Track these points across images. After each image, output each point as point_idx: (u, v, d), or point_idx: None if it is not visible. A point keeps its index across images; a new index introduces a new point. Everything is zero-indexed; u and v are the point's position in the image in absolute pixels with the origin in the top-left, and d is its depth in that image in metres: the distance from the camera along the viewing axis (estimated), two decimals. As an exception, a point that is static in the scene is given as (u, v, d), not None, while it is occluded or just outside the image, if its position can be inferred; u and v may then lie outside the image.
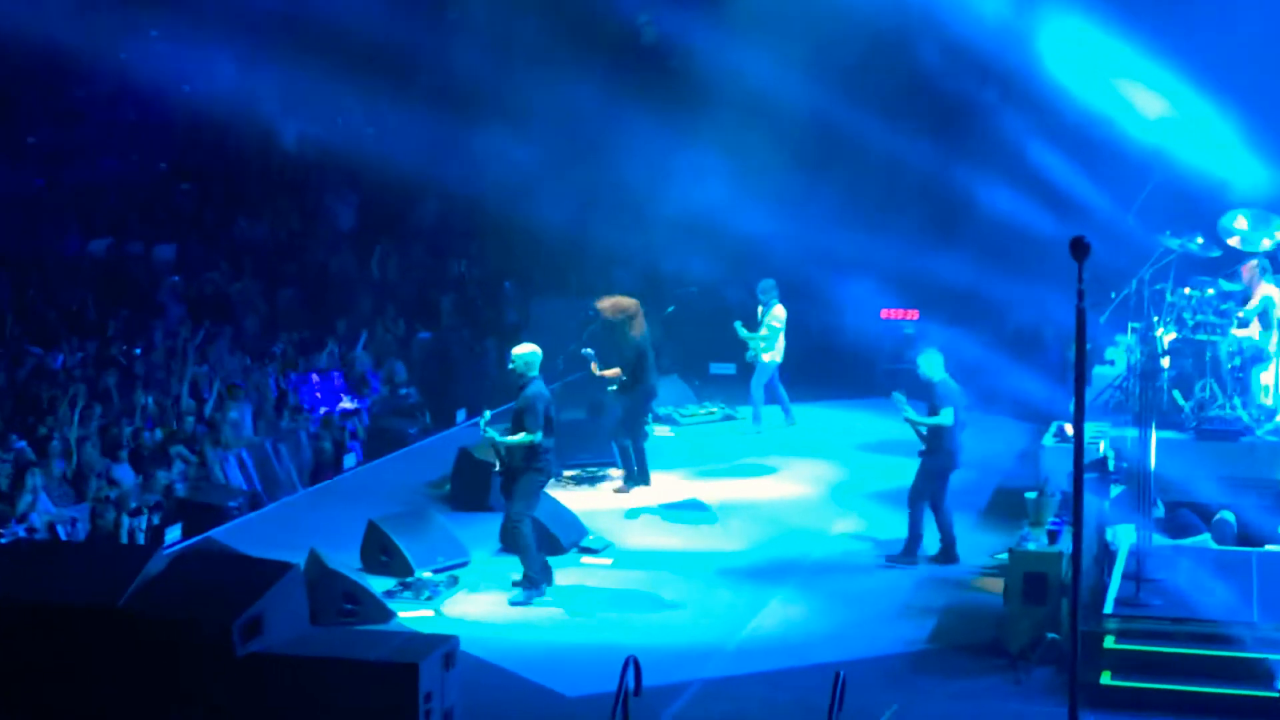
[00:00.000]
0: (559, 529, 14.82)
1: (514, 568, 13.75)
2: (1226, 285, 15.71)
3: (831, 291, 23.09)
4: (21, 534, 14.11)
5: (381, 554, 14.19)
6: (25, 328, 21.13)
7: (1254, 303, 15.29)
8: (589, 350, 17.18)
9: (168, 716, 10.19)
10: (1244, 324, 15.18)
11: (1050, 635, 12.08)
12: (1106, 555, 13.05)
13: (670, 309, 21.93)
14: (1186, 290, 15.63)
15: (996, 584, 13.23)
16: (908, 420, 14.55)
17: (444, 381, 21.77)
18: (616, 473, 17.32)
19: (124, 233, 25.03)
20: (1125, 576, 12.55)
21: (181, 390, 18.79)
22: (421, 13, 25.12)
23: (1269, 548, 13.66)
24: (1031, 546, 12.61)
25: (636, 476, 17.01)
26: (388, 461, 18.48)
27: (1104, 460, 13.83)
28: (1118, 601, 12.24)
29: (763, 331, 19.36)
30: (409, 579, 13.81)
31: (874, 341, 23.00)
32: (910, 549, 14.55)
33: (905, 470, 15.04)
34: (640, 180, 24.08)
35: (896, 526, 14.85)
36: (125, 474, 16.24)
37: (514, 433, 13.54)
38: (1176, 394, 15.07)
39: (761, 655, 12.54)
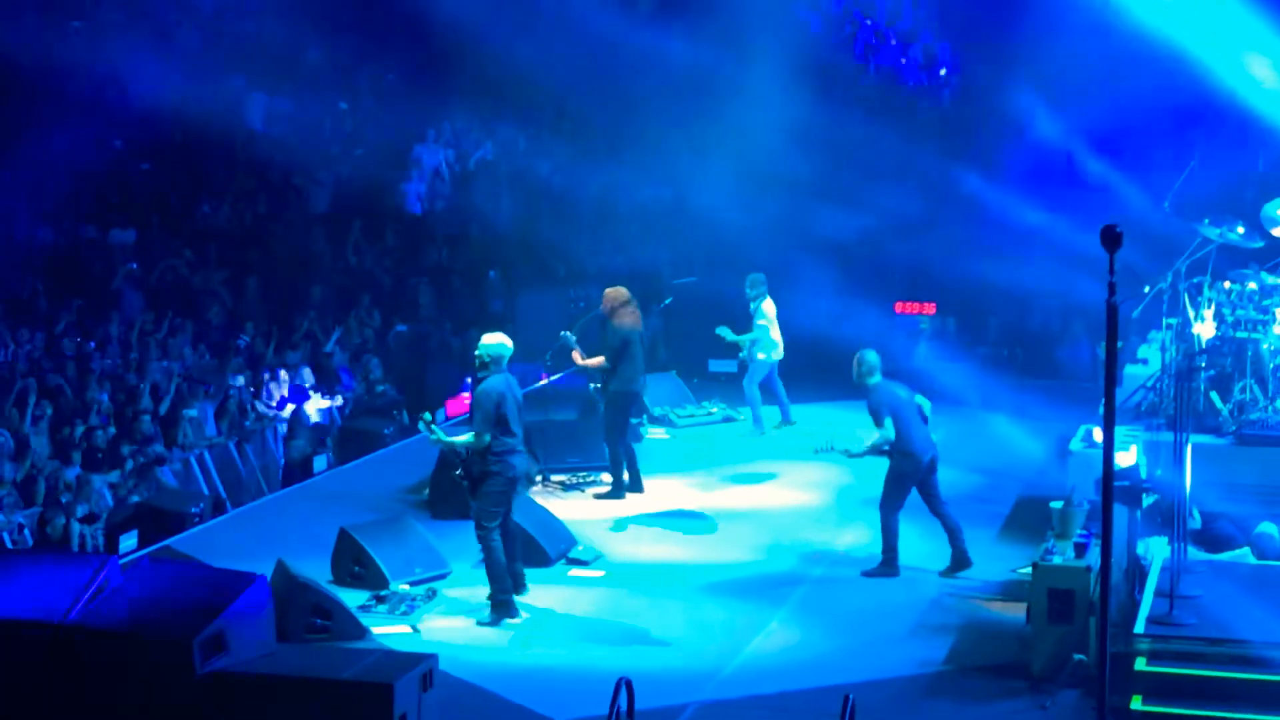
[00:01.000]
0: (546, 539, 14.78)
1: (495, 580, 13.71)
2: (1269, 278, 15.68)
3: (839, 284, 23.16)
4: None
5: (354, 565, 14.14)
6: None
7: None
8: (569, 334, 17.14)
9: (121, 740, 10.14)
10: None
11: (1077, 656, 12.04)
12: (1138, 570, 13.03)
13: (668, 301, 21.92)
14: (1226, 284, 15.61)
15: (1019, 601, 13.18)
16: (847, 454, 14.76)
17: (422, 378, 21.75)
18: (608, 478, 17.29)
19: (77, 216, 24.97)
20: (1158, 593, 12.51)
21: (143, 386, 18.73)
22: None
23: (1313, 563, 13.65)
24: (1057, 560, 12.56)
25: (627, 482, 16.96)
26: (361, 464, 18.44)
27: (1136, 468, 13.79)
28: (1150, 620, 12.21)
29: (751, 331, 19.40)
30: (384, 592, 13.77)
31: (884, 337, 23.04)
32: (888, 559, 14.55)
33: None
34: (632, 164, 24.20)
35: (906, 536, 14.80)
36: (78, 476, 16.20)
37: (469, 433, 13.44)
38: (1214, 396, 15.05)
39: (762, 677, 12.47)
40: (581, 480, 17.39)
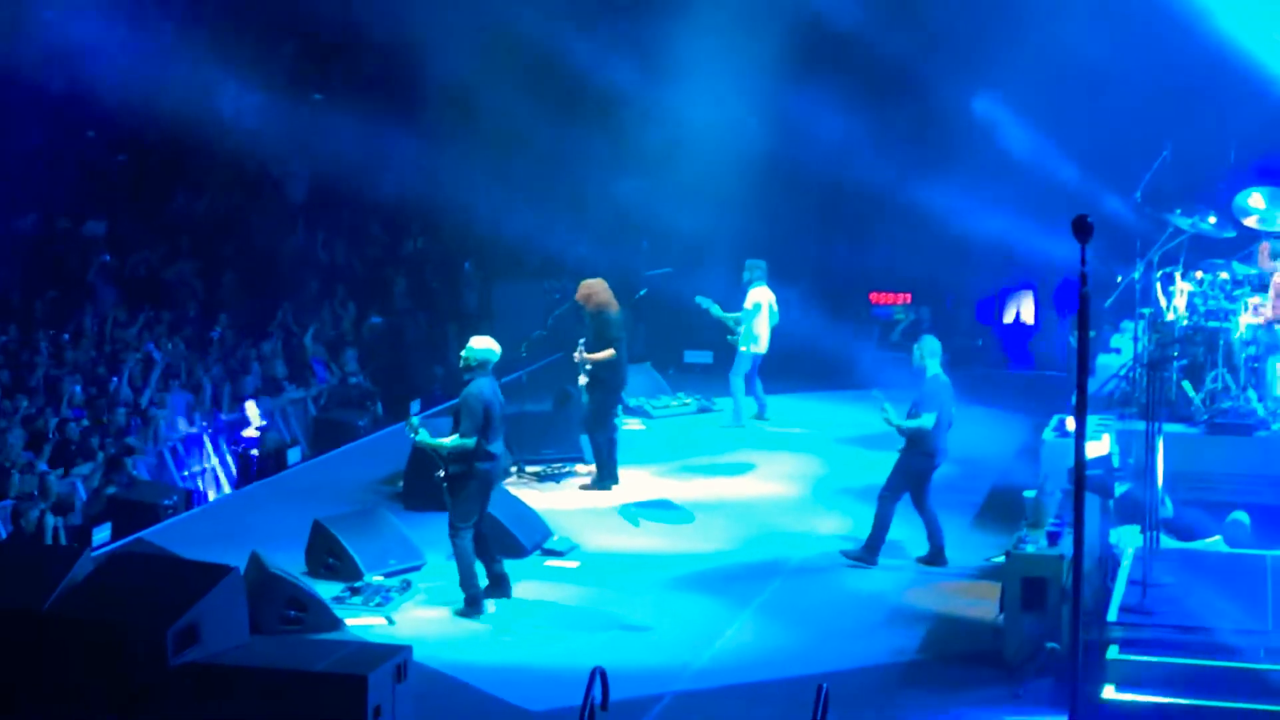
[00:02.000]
0: (521, 530, 14.78)
1: (470, 571, 13.71)
2: (1241, 269, 15.75)
3: (812, 274, 23.22)
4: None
5: (328, 556, 14.13)
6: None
7: (1273, 291, 15.31)
8: (542, 332, 17.08)
9: (95, 731, 10.14)
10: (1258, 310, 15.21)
11: (1050, 645, 12.07)
12: (1110, 558, 13.08)
13: (642, 292, 21.91)
14: (1198, 274, 15.67)
15: (992, 589, 13.22)
16: (887, 421, 14.51)
17: (397, 369, 21.73)
18: (584, 469, 17.29)
19: (51, 208, 24.89)
20: (1130, 582, 12.55)
21: (120, 379, 18.69)
22: None
23: (1286, 550, 13.70)
24: (1030, 549, 12.58)
25: (606, 473, 16.96)
26: (335, 456, 18.43)
27: (1108, 456, 13.84)
28: (1122, 609, 12.24)
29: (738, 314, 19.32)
30: (358, 584, 13.76)
31: (860, 328, 23.12)
32: (872, 546, 14.54)
33: (892, 465, 15.02)
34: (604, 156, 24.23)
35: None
36: (49, 468, 16.16)
37: (452, 434, 13.42)
38: (1186, 385, 15.13)
39: (738, 668, 12.50)
40: (556, 471, 17.39)
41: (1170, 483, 13.95)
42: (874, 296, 24.08)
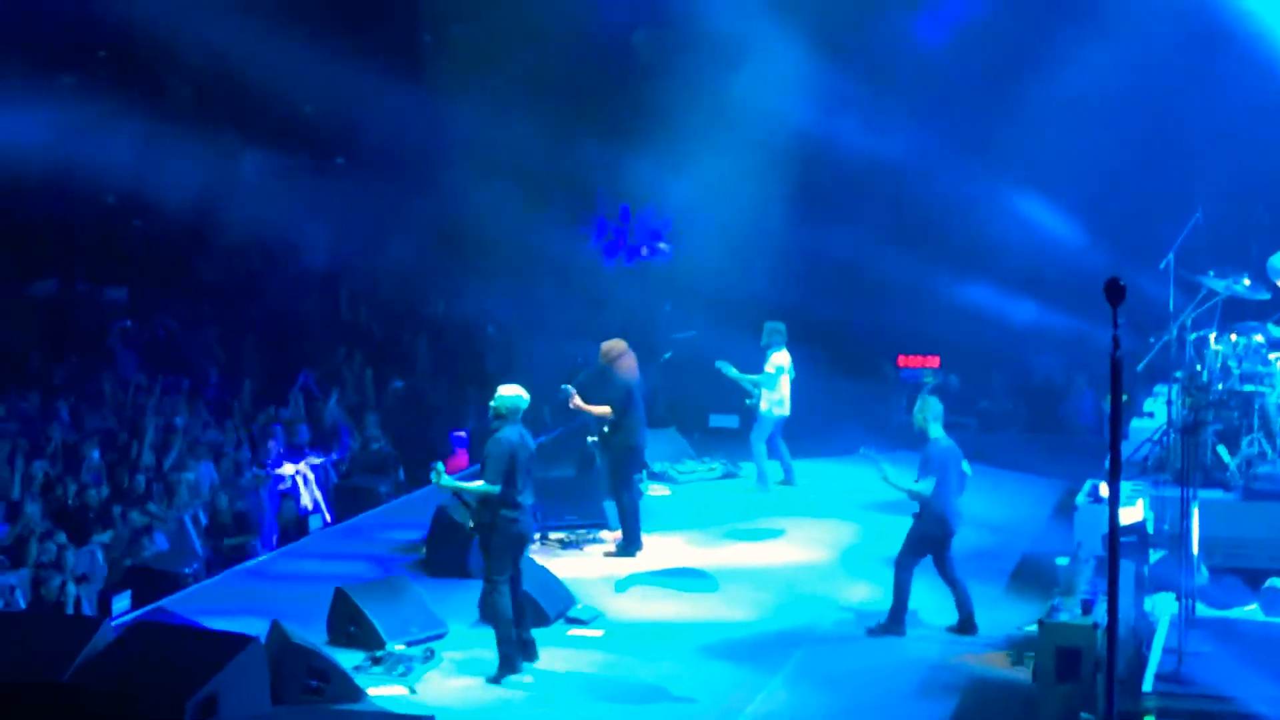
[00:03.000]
0: (545, 599, 14.75)
1: (493, 640, 13.65)
2: (1276, 331, 15.71)
3: (839, 336, 23.23)
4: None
5: (350, 625, 14.10)
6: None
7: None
8: (568, 387, 17.15)
9: (114, 804, 10.12)
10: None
11: (1084, 716, 12.01)
12: (1145, 627, 13.01)
13: (667, 355, 21.93)
14: (1233, 336, 15.62)
15: (1025, 660, 13.16)
16: (885, 480, 14.49)
17: (419, 434, 21.74)
18: (608, 535, 17.27)
19: (70, 273, 25.03)
20: (1166, 650, 12.51)
21: (142, 446, 18.72)
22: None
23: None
24: (1063, 617, 12.53)
25: (630, 538, 16.94)
26: (357, 522, 18.43)
27: (1142, 523, 13.79)
28: (1158, 678, 12.20)
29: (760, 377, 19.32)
30: (380, 653, 13.73)
31: (888, 392, 23.08)
32: (895, 616, 14.49)
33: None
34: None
35: (914, 592, 14.74)
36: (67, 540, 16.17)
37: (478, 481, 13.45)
38: (1222, 450, 15.06)
39: (766, 739, 12.47)
40: (580, 538, 17.37)
41: (1205, 549, 13.89)
42: (902, 360, 24.04)
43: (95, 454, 18.29)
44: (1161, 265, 15.74)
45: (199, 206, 25.66)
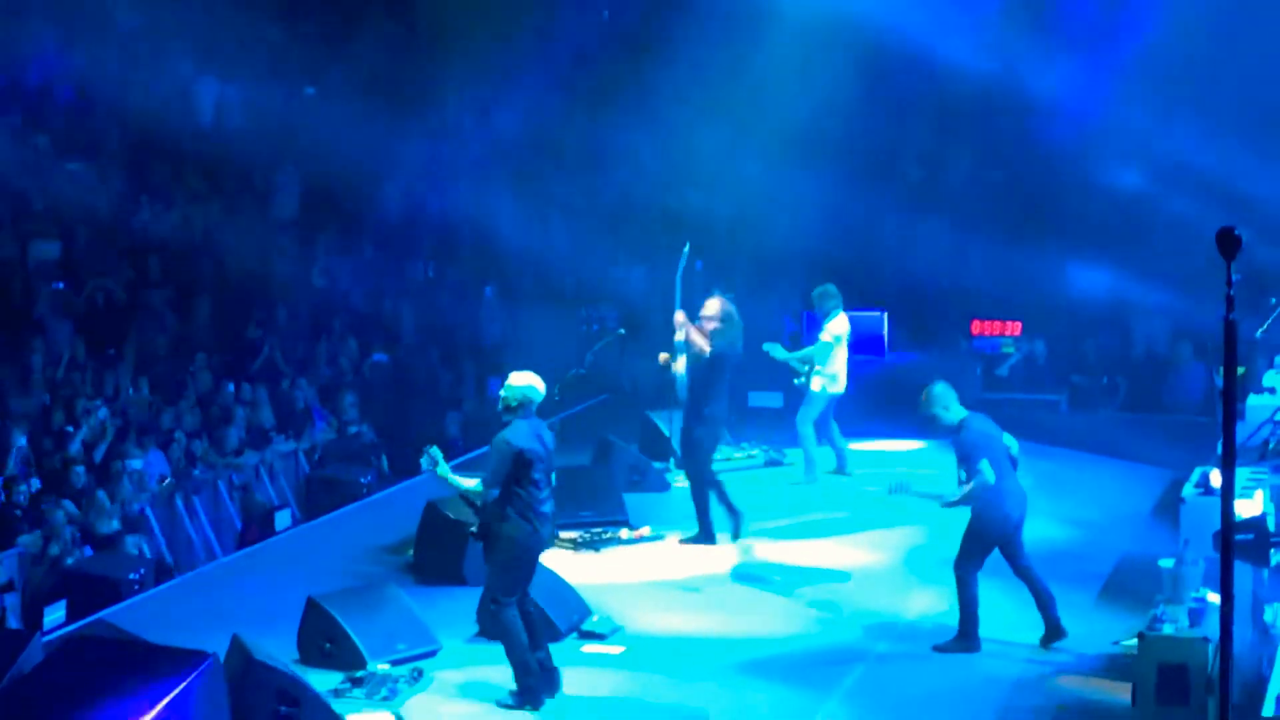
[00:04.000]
0: (556, 609, 14.74)
1: (495, 657, 13.68)
2: None
3: (898, 296, 23.25)
4: None
5: (325, 641, 14.16)
6: None
7: None
8: (579, 371, 17.19)
9: None
10: None
11: (1193, 745, 12.06)
12: (1265, 641, 13.01)
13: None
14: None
15: (1123, 680, 13.18)
16: (948, 506, 14.59)
17: (405, 417, 21.79)
18: (628, 533, 17.34)
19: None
20: (1290, 668, 12.51)
21: (78, 430, 18.78)
22: None
23: None
24: (1168, 630, 12.56)
25: (703, 528, 17.09)
26: (333, 520, 18.48)
27: (1263, 517, 13.78)
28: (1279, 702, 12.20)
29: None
30: (361, 673, 13.78)
31: (960, 364, 23.06)
32: (965, 631, 14.52)
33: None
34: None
35: (987, 601, 14.76)
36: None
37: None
38: (1357, 431, 15.05)
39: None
40: (596, 537, 17.42)
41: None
42: (976, 325, 24.02)
43: (23, 441, 18.33)
44: None
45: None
